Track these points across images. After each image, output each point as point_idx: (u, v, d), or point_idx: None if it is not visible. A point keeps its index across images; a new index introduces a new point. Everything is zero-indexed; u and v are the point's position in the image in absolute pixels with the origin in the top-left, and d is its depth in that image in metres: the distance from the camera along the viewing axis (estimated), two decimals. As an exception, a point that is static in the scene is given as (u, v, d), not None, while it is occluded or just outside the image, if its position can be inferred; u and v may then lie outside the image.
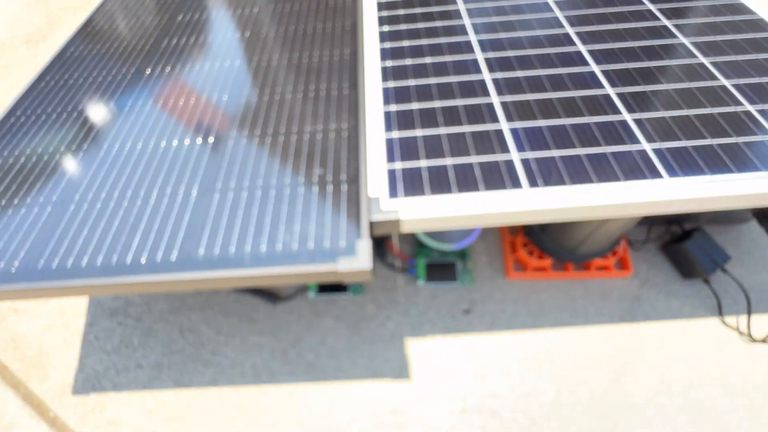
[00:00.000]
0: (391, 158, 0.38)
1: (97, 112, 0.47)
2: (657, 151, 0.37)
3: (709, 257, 0.51)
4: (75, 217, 0.37)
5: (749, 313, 0.51)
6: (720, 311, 0.52)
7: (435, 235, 0.53)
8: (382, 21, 0.55)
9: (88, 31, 0.61)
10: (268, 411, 0.49)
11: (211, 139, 0.42)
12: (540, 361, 0.50)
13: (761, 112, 0.40)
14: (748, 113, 0.39)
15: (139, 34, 0.59)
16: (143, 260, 0.33)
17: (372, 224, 0.35)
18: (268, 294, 0.55)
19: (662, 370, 0.49)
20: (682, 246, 0.51)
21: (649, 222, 0.54)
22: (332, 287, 0.54)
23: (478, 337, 0.52)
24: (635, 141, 0.38)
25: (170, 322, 0.55)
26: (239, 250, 0.33)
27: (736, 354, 0.50)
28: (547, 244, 0.51)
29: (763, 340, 0.50)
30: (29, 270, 0.34)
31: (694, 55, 0.46)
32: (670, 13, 0.52)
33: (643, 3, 0.54)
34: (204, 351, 0.53)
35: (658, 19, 0.51)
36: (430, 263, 0.55)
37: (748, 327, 0.50)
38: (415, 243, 0.57)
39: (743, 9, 0.51)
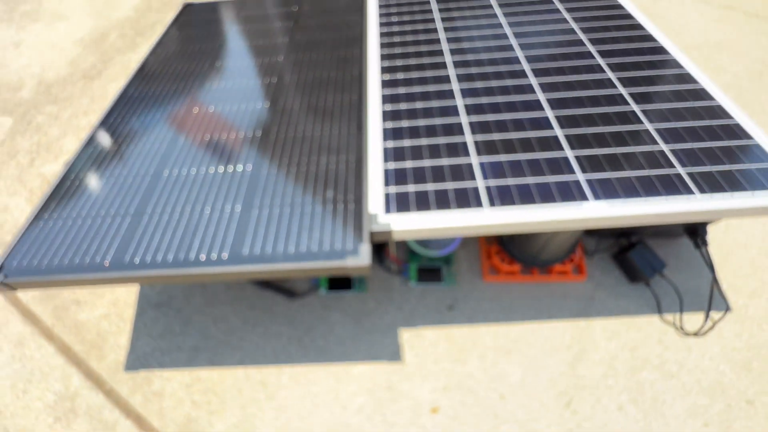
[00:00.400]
0: (386, 183, 0.51)
1: (157, 143, 0.60)
2: (588, 181, 0.49)
3: (649, 265, 0.62)
4: (149, 225, 0.49)
5: (682, 311, 0.61)
6: (659, 309, 0.62)
7: (424, 243, 0.64)
8: (383, 70, 0.68)
9: (143, 75, 0.75)
10: (286, 386, 0.60)
11: (249, 167, 0.54)
12: (509, 348, 0.61)
13: (672, 151, 0.51)
14: (661, 152, 0.51)
15: (186, 78, 0.73)
16: (202, 257, 0.45)
17: (371, 233, 0.47)
18: (286, 291, 0.66)
19: (610, 358, 0.60)
20: (628, 255, 0.62)
21: (598, 235, 0.65)
22: (340, 286, 0.66)
23: (458, 329, 0.63)
24: (572, 172, 0.50)
25: (206, 313, 0.67)
26: (274, 251, 0.45)
27: (671, 345, 0.60)
28: (515, 252, 0.62)
29: (695, 334, 0.60)
30: (119, 263, 0.46)
31: (627, 103, 0.58)
32: (615, 67, 0.64)
33: (593, 57, 0.66)
34: (233, 337, 0.64)
35: (604, 71, 0.63)
36: (420, 267, 0.66)
37: (681, 322, 0.61)
38: (408, 251, 0.69)
39: (672, 63, 0.64)
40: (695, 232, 0.60)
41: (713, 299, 0.62)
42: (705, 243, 0.58)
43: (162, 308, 0.68)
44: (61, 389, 0.62)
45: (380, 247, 0.69)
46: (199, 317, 0.66)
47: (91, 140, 0.62)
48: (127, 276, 0.45)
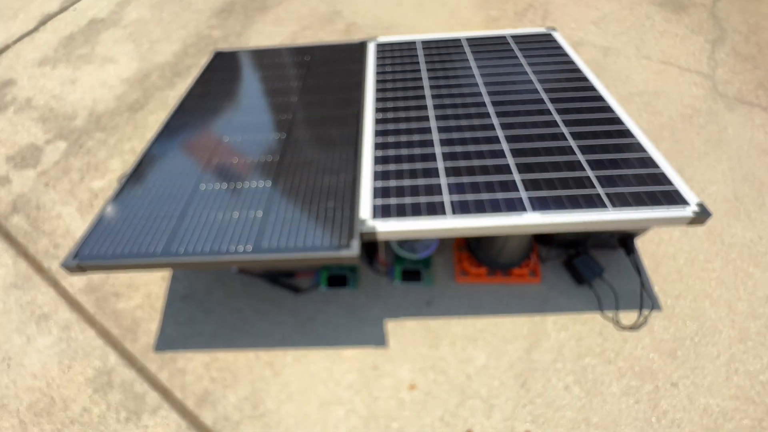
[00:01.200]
0: (374, 197, 0.65)
1: (194, 163, 0.76)
2: (530, 198, 0.63)
3: (590, 270, 0.75)
4: (190, 224, 0.64)
5: (618, 309, 0.74)
6: (600, 307, 0.75)
7: (406, 248, 0.78)
8: (377, 110, 0.85)
9: (183, 110, 0.92)
10: (290, 365, 0.72)
11: (269, 183, 0.69)
12: (476, 337, 0.73)
13: (597, 177, 0.66)
14: (587, 178, 0.66)
15: (216, 113, 0.89)
16: (232, 249, 0.59)
17: (361, 233, 0.61)
18: (292, 287, 0.79)
19: (560, 346, 0.72)
20: (574, 262, 0.76)
21: (550, 244, 0.79)
22: (337, 284, 0.79)
23: (434, 320, 0.75)
24: (517, 191, 0.64)
25: (224, 305, 0.79)
26: (287, 244, 0.59)
27: (609, 336, 0.72)
28: (481, 257, 0.76)
29: (630, 327, 0.73)
30: (167, 252, 0.60)
31: (566, 139, 0.74)
32: (561, 111, 0.80)
33: (544, 102, 0.83)
34: (246, 324, 0.77)
35: (551, 114, 0.80)
36: (404, 269, 0.80)
37: (618, 318, 0.73)
38: (394, 255, 0.82)
39: (606, 109, 0.80)
40: (626, 243, 0.73)
41: (648, 300, 0.75)
42: (633, 252, 0.72)
43: (187, 300, 0.81)
44: (100, 366, 0.74)
45: (371, 253, 0.82)
46: (218, 308, 0.79)
47: (141, 160, 0.78)
48: (174, 261, 0.58)
